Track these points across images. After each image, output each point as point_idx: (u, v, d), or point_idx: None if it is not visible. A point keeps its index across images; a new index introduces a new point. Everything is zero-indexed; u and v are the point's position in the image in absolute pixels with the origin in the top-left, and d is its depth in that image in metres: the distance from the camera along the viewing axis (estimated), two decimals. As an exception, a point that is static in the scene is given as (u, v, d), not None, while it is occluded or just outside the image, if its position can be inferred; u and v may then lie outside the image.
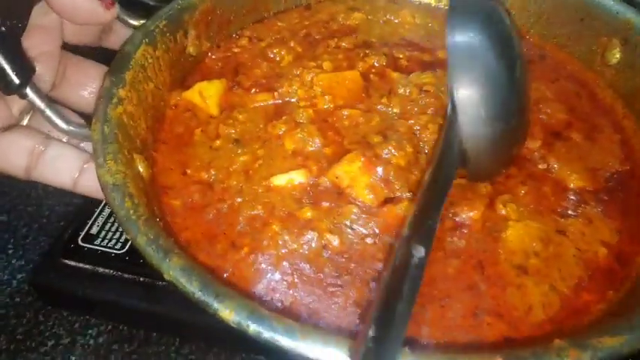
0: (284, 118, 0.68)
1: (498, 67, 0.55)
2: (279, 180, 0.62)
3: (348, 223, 0.58)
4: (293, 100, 0.72)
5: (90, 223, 0.74)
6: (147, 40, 0.67)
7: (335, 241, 0.56)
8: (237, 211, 0.59)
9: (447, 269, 0.54)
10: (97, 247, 0.71)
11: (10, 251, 0.87)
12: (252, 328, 0.40)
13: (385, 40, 0.83)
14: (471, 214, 0.59)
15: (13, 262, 0.86)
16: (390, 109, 0.70)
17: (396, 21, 0.88)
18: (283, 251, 0.55)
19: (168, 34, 0.71)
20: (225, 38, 0.82)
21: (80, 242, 0.72)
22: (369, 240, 0.57)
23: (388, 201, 0.60)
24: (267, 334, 0.40)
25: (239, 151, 0.65)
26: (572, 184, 0.64)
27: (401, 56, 0.79)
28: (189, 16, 0.74)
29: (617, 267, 0.56)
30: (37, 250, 0.88)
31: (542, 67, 0.81)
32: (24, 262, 0.86)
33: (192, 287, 0.42)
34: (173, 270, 0.43)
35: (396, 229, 0.57)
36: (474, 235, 0.58)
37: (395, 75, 0.75)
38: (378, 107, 0.71)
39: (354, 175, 0.61)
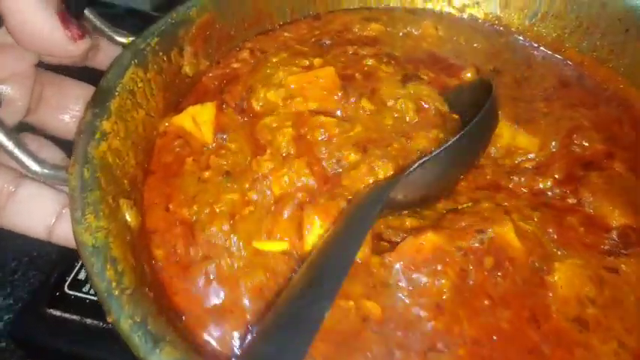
0: (268, 152, 0.58)
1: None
2: (263, 246, 0.53)
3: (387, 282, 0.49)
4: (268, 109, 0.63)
5: (78, 266, 0.66)
6: (136, 60, 0.59)
7: (376, 309, 0.48)
8: (234, 278, 0.50)
9: (500, 324, 0.47)
10: (85, 296, 0.64)
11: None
12: None
13: (409, 55, 0.74)
14: (505, 228, 0.52)
15: None
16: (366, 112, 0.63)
17: (417, 33, 0.79)
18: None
19: (160, 53, 0.62)
20: (225, 54, 0.74)
21: (67, 289, 0.64)
22: (407, 300, 0.48)
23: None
24: None
25: (228, 185, 0.56)
26: (614, 222, 0.57)
27: (425, 77, 0.69)
28: (185, 32, 0.66)
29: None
30: (27, 287, 0.80)
31: (579, 90, 0.72)
32: (12, 301, 0.78)
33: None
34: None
35: (425, 264, 0.50)
36: (518, 271, 0.50)
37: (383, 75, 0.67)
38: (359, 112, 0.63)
39: None
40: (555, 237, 0.54)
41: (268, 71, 0.66)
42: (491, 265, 0.50)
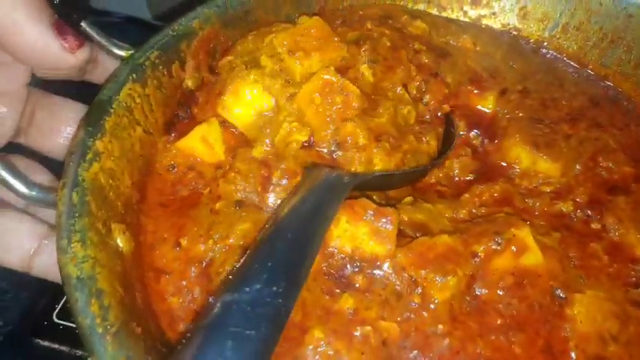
0: (277, 174, 0.55)
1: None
2: None
3: (394, 296, 0.48)
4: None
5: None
6: (134, 75, 0.56)
7: (393, 329, 0.46)
8: None
9: (513, 348, 0.45)
10: (74, 325, 0.59)
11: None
12: None
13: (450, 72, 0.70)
14: (524, 232, 0.49)
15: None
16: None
17: (454, 44, 0.75)
18: None
19: (161, 67, 0.59)
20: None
21: (55, 319, 0.60)
22: (423, 313, 0.47)
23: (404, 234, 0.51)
24: None
25: (243, 215, 0.53)
26: None
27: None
28: (187, 45, 0.63)
29: None
30: (18, 309, 0.76)
31: (610, 109, 0.68)
32: (2, 323, 0.75)
33: None
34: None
35: (435, 261, 0.48)
36: (537, 296, 0.48)
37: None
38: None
39: (349, 234, 0.49)
40: (577, 263, 0.51)
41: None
42: (509, 284, 0.48)
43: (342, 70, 0.59)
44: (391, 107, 0.60)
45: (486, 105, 0.67)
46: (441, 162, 0.62)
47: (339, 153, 0.57)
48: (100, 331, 0.35)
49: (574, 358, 0.45)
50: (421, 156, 0.62)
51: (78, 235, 0.41)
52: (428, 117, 0.66)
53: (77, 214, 0.43)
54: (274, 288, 0.38)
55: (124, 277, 0.44)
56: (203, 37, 0.65)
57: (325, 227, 0.47)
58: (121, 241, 0.47)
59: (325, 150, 0.57)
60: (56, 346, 0.59)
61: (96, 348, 0.35)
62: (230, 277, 0.43)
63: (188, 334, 0.37)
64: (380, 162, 0.57)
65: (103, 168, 0.48)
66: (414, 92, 0.66)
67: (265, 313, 0.37)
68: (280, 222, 0.46)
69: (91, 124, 0.50)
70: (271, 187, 0.55)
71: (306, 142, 0.58)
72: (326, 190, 0.50)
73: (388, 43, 0.65)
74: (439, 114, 0.67)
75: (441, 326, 0.46)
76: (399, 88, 0.64)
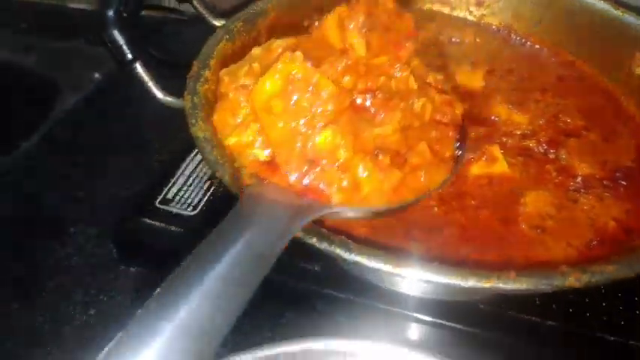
0: None
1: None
2: None
3: None
4: None
5: (166, 189, 0.85)
6: (227, 36, 0.80)
7: None
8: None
9: (479, 217, 0.65)
10: (171, 209, 0.82)
11: (88, 219, 0.93)
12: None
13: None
14: (494, 148, 0.70)
15: (89, 229, 0.91)
16: None
17: (456, 40, 0.97)
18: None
19: (244, 34, 0.84)
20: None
21: (157, 204, 0.82)
22: None
23: None
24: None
25: None
26: (580, 172, 0.73)
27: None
28: (262, 20, 0.87)
29: (623, 237, 0.65)
30: (113, 220, 0.89)
31: (574, 85, 0.90)
32: (102, 227, 0.90)
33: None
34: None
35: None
36: (502, 190, 0.68)
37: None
38: None
39: None
40: (533, 176, 0.72)
41: None
42: (483, 183, 0.69)
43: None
44: (402, 111, 0.51)
45: (476, 80, 0.88)
46: (429, 194, 0.57)
47: (312, 175, 0.47)
48: (221, 162, 0.57)
49: (522, 226, 0.65)
50: (437, 171, 0.55)
51: (200, 118, 0.64)
52: (448, 115, 0.59)
53: (198, 108, 0.66)
54: None
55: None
56: (273, 17, 0.89)
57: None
58: (221, 135, 0.70)
59: (293, 174, 0.47)
60: (157, 223, 0.80)
61: (219, 168, 0.57)
62: None
63: None
64: (369, 183, 0.47)
65: (209, 89, 0.72)
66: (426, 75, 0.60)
67: None
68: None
69: (202, 62, 0.74)
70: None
71: (268, 160, 0.49)
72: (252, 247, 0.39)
73: (391, 5, 0.56)
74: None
75: (432, 202, 0.66)
76: (398, 71, 0.52)
